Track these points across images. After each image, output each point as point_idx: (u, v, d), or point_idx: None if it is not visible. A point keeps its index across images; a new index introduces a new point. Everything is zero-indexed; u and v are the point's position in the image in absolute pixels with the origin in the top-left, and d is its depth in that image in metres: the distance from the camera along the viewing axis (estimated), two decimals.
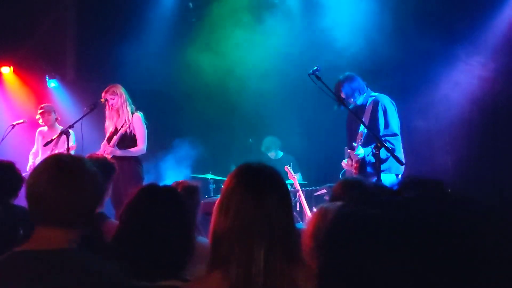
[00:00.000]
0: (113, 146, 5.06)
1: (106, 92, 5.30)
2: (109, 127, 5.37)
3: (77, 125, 5.13)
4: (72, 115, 6.89)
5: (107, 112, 5.38)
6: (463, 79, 6.25)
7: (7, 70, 7.67)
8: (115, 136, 5.10)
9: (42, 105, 6.57)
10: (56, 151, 6.04)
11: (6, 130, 6.27)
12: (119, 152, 5.08)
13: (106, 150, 5.04)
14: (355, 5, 6.88)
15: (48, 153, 6.16)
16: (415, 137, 6.43)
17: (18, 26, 7.55)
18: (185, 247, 1.72)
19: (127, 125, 5.12)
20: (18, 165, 3.32)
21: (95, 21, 7.93)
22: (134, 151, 5.20)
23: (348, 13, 6.85)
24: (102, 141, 5.36)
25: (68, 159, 1.63)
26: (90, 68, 8.02)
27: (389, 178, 4.37)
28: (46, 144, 5.46)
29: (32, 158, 6.56)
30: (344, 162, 4.87)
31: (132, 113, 5.29)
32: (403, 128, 5.06)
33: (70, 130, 5.18)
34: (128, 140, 5.19)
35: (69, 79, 8.13)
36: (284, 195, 1.53)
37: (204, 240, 2.52)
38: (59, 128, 6.46)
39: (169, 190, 1.87)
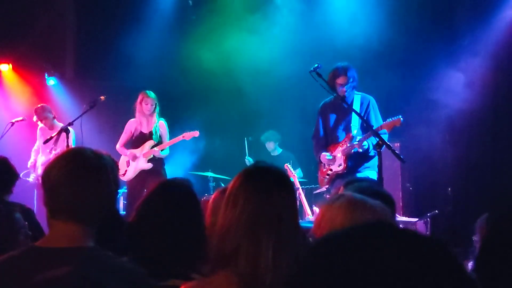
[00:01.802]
0: (160, 149, 5.82)
1: (148, 97, 5.84)
2: (134, 126, 5.94)
3: (76, 123, 5.12)
4: (71, 112, 6.87)
5: (138, 115, 5.91)
6: (462, 78, 6.24)
7: (6, 68, 7.64)
8: (165, 142, 5.88)
9: (36, 110, 6.50)
10: (58, 149, 6.03)
11: (5, 127, 6.24)
12: (158, 154, 5.83)
13: (155, 152, 5.78)
14: (355, 4, 6.87)
15: (47, 150, 6.15)
16: (414, 136, 6.43)
17: (17, 23, 7.53)
18: (198, 245, 1.72)
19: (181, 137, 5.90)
20: (18, 163, 3.26)
21: (94, 18, 7.90)
22: (165, 154, 5.96)
23: (349, 12, 6.84)
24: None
25: (89, 154, 1.58)
26: (89, 66, 8.01)
27: (372, 176, 4.36)
28: (45, 142, 5.45)
29: (34, 155, 6.57)
30: (326, 155, 4.82)
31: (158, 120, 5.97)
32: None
33: (69, 128, 5.16)
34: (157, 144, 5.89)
35: (68, 77, 8.11)
36: (291, 195, 1.54)
37: None
38: (59, 125, 6.43)
39: (186, 186, 1.89)
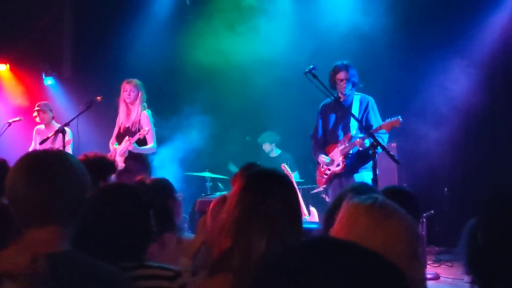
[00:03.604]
0: (133, 142, 5.12)
1: (128, 83, 5.33)
2: (120, 119, 5.43)
3: (73, 123, 5.12)
4: (69, 112, 6.88)
5: (121, 106, 5.41)
6: (459, 79, 6.26)
7: (3, 68, 7.65)
8: (137, 135, 5.14)
9: (39, 103, 6.53)
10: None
11: (2, 127, 6.25)
12: (132, 148, 5.13)
13: (129, 147, 5.09)
14: (351, 6, 6.88)
15: None
16: (411, 136, 6.45)
17: (14, 23, 7.52)
18: (141, 235, 1.90)
19: (146, 131, 5.16)
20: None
21: (91, 18, 7.90)
22: (146, 148, 5.27)
23: (345, 13, 6.85)
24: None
25: (40, 155, 1.56)
26: (87, 66, 8.00)
27: (369, 176, 4.38)
28: (42, 142, 5.45)
29: None
30: (324, 158, 4.86)
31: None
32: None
33: (66, 129, 5.16)
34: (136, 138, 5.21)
35: (66, 77, 8.11)
36: (287, 193, 1.56)
37: (191, 235, 2.56)
38: (56, 126, 6.44)
39: (127, 189, 2.04)
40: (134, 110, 5.35)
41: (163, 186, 2.77)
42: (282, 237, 1.48)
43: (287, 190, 1.60)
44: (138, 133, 5.16)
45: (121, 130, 5.36)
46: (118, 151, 5.20)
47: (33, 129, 6.67)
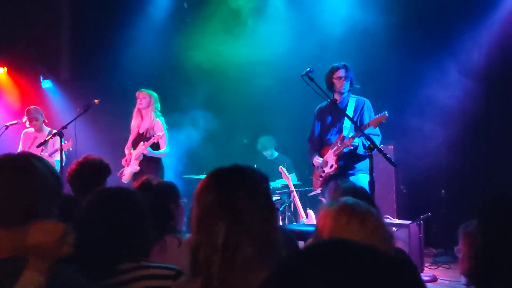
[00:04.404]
0: (147, 146, 5.54)
1: (140, 92, 5.76)
2: (134, 126, 5.83)
3: (70, 126, 5.13)
4: (66, 115, 6.87)
5: (135, 114, 5.81)
6: (456, 81, 6.28)
7: (1, 71, 7.64)
8: (152, 139, 5.55)
9: (29, 109, 6.45)
10: (46, 153, 6.02)
11: (0, 130, 6.24)
12: (147, 152, 5.56)
13: (143, 151, 5.53)
14: (349, 7, 6.89)
15: (40, 153, 6.13)
16: (408, 138, 6.46)
17: (12, 27, 7.52)
18: (139, 236, 1.93)
19: (160, 136, 5.57)
20: None
21: (89, 21, 7.91)
22: (159, 153, 5.67)
23: (346, 13, 6.86)
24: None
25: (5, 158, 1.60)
26: (85, 69, 8.01)
27: (365, 178, 4.38)
28: (39, 145, 5.46)
29: None
30: (318, 159, 4.88)
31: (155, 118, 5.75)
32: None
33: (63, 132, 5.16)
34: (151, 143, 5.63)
35: (63, 80, 8.11)
36: (254, 193, 1.50)
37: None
38: (47, 129, 6.43)
39: (125, 193, 2.05)
40: (147, 117, 5.74)
41: (168, 189, 2.79)
42: (248, 229, 1.43)
43: (252, 183, 1.53)
44: (153, 138, 5.54)
45: (136, 136, 5.77)
46: (133, 155, 5.64)
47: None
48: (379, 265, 0.74)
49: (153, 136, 5.60)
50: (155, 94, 5.82)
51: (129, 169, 5.71)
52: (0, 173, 1.54)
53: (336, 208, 1.68)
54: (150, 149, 5.57)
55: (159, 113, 5.81)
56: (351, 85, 4.85)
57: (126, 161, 5.76)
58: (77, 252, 1.49)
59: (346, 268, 0.71)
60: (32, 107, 6.54)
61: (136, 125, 5.83)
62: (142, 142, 5.60)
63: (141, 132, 5.75)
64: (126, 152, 5.85)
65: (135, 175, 5.54)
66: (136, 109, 5.82)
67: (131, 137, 5.87)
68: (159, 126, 5.71)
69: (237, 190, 1.47)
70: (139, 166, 5.61)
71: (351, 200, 1.72)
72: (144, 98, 5.72)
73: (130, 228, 1.91)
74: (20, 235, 1.48)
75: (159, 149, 5.67)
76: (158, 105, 5.81)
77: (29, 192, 1.54)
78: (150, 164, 5.58)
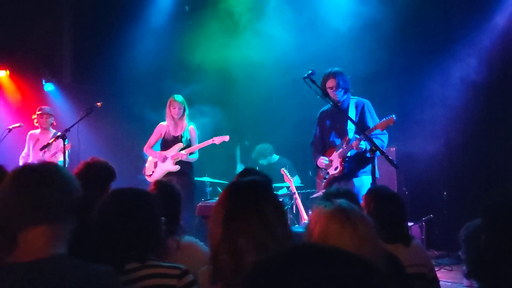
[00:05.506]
0: (187, 153, 5.89)
1: (176, 101, 5.94)
2: (165, 129, 6.05)
3: (73, 129, 5.15)
4: (69, 118, 6.89)
5: (167, 118, 6.02)
6: (457, 83, 6.28)
7: (3, 74, 7.65)
8: (193, 147, 5.92)
9: (43, 107, 6.51)
10: (48, 154, 6.04)
11: (3, 133, 6.25)
12: (185, 158, 5.89)
13: (182, 156, 5.85)
14: (351, 8, 6.90)
15: (41, 155, 6.14)
16: (410, 140, 6.46)
17: (14, 30, 7.54)
18: (149, 235, 1.97)
19: (197, 147, 5.95)
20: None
21: (91, 25, 7.93)
22: (193, 157, 6.02)
23: (346, 14, 6.86)
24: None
25: (25, 168, 1.67)
26: (87, 72, 8.02)
27: (368, 180, 4.38)
28: (42, 148, 5.47)
29: (22, 162, 6.46)
30: (323, 159, 4.90)
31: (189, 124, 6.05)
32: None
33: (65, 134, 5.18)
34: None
35: (66, 82, 8.13)
36: (275, 201, 1.62)
37: (191, 239, 2.62)
38: (52, 132, 6.45)
39: (137, 194, 2.09)
40: (181, 123, 6.00)
41: (179, 194, 2.84)
42: (272, 233, 1.52)
43: (265, 198, 1.65)
44: (195, 146, 5.94)
45: (168, 138, 6.01)
46: (169, 155, 5.92)
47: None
48: (355, 270, 0.74)
49: (189, 140, 5.97)
50: (185, 102, 6.02)
51: (164, 167, 5.92)
52: (45, 171, 1.61)
53: (330, 210, 1.69)
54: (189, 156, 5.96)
55: (190, 121, 6.07)
56: (346, 90, 4.79)
57: (163, 159, 5.95)
58: (91, 250, 1.52)
59: (322, 269, 0.72)
60: (45, 106, 6.62)
61: (168, 129, 6.02)
62: (180, 146, 5.90)
63: (174, 135, 5.99)
64: (150, 153, 6.09)
65: (172, 174, 5.82)
66: (169, 115, 5.99)
67: (155, 138, 6.11)
68: (193, 133, 6.04)
69: (262, 199, 1.58)
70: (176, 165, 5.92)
71: (346, 203, 1.73)
72: (179, 108, 5.94)
73: (145, 229, 1.96)
74: (61, 231, 1.57)
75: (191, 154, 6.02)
76: (188, 111, 6.07)
77: (70, 190, 1.63)
78: (187, 165, 5.94)
